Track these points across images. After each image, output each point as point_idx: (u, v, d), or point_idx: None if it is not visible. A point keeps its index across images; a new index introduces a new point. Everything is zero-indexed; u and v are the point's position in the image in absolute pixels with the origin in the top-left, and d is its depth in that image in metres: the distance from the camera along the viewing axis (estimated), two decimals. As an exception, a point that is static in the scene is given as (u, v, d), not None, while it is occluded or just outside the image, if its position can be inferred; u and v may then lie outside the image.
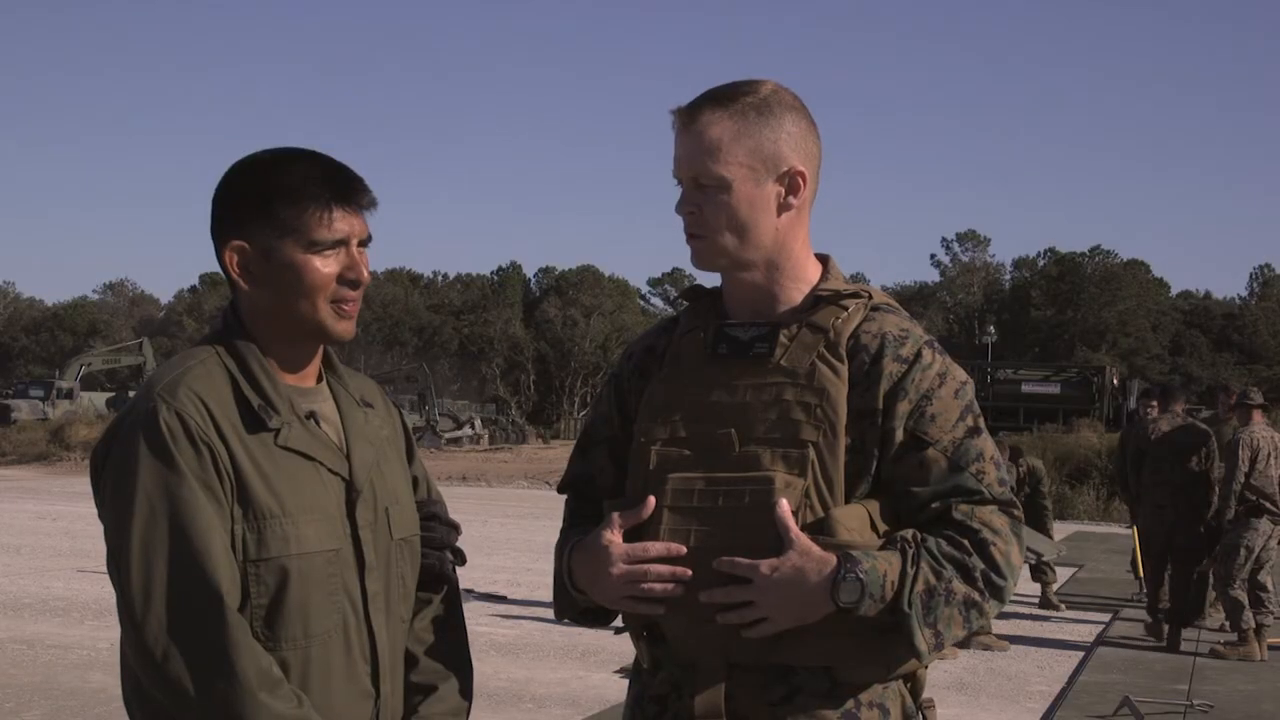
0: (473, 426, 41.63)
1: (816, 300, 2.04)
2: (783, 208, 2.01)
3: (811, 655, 1.94)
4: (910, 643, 1.90)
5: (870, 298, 2.06)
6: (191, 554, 1.79)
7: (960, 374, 2.02)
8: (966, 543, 1.92)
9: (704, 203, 2.00)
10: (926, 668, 2.05)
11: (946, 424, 1.97)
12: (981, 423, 2.01)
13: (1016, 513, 1.98)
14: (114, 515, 1.83)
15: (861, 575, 1.86)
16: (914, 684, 2.05)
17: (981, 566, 1.92)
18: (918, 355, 1.99)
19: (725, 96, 2.01)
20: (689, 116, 2.01)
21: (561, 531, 2.16)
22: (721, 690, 1.96)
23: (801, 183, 2.02)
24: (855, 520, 1.93)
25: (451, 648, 2.11)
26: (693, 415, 2.02)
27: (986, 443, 2.00)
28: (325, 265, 1.92)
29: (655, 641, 2.04)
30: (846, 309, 2.02)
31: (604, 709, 7.08)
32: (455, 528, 2.17)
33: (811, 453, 1.94)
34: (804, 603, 1.88)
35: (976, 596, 1.92)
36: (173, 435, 1.82)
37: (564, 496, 2.22)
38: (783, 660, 1.94)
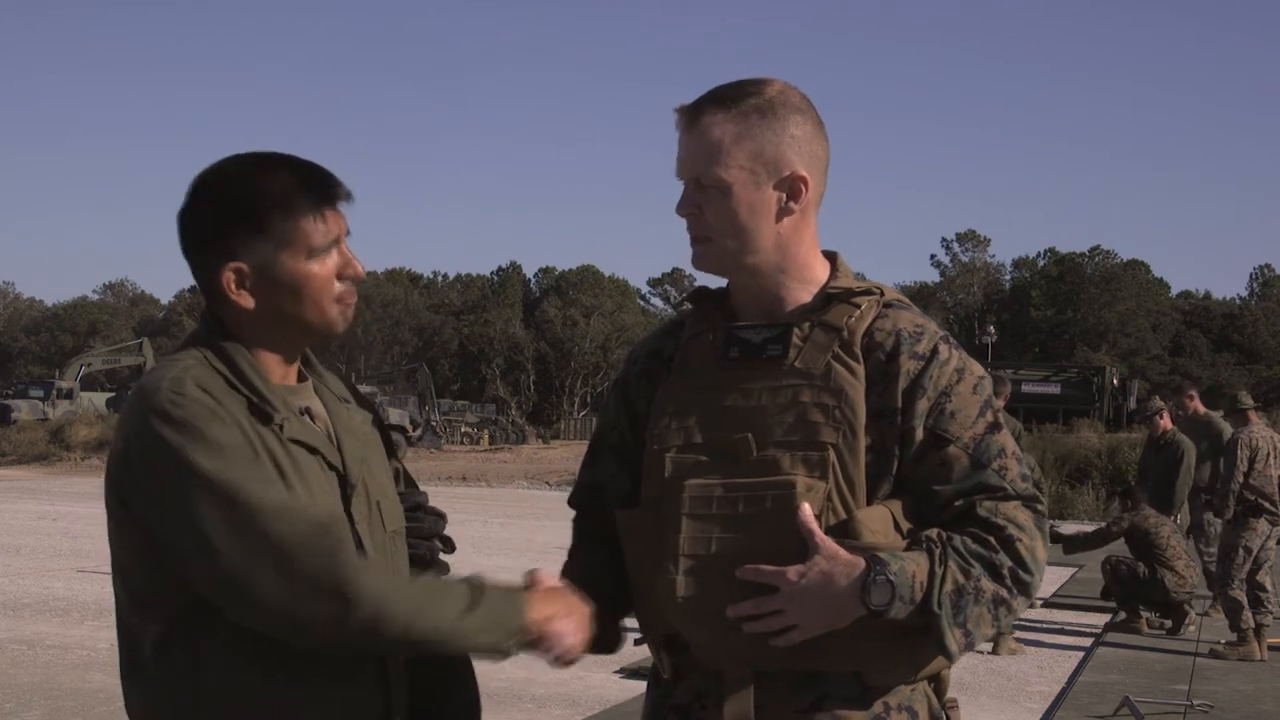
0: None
1: (827, 299, 1.99)
2: (783, 213, 1.97)
3: (840, 660, 1.91)
4: (941, 643, 1.86)
5: (882, 294, 2.02)
6: (278, 508, 1.76)
7: (977, 369, 1.99)
8: (992, 540, 1.89)
9: (705, 204, 1.97)
10: (949, 667, 2.01)
11: (967, 420, 1.93)
12: (1001, 418, 1.98)
13: (1040, 507, 1.95)
14: (182, 515, 1.77)
15: (891, 577, 1.82)
16: (938, 684, 2.02)
17: (1009, 563, 1.89)
18: (934, 351, 1.95)
19: (729, 97, 1.97)
20: (692, 116, 1.97)
21: (569, 552, 2.13)
22: (750, 698, 1.92)
23: (803, 188, 1.97)
24: (879, 522, 1.89)
25: None
26: (707, 420, 1.97)
27: (1007, 438, 1.96)
28: (324, 269, 1.91)
29: (676, 650, 2.00)
30: (859, 306, 1.98)
31: (604, 709, 7.08)
32: (441, 515, 2.17)
33: (831, 454, 1.90)
34: (834, 608, 1.84)
35: (1005, 594, 1.89)
36: (203, 421, 1.78)
37: (573, 508, 2.18)
38: (811, 666, 1.91)
